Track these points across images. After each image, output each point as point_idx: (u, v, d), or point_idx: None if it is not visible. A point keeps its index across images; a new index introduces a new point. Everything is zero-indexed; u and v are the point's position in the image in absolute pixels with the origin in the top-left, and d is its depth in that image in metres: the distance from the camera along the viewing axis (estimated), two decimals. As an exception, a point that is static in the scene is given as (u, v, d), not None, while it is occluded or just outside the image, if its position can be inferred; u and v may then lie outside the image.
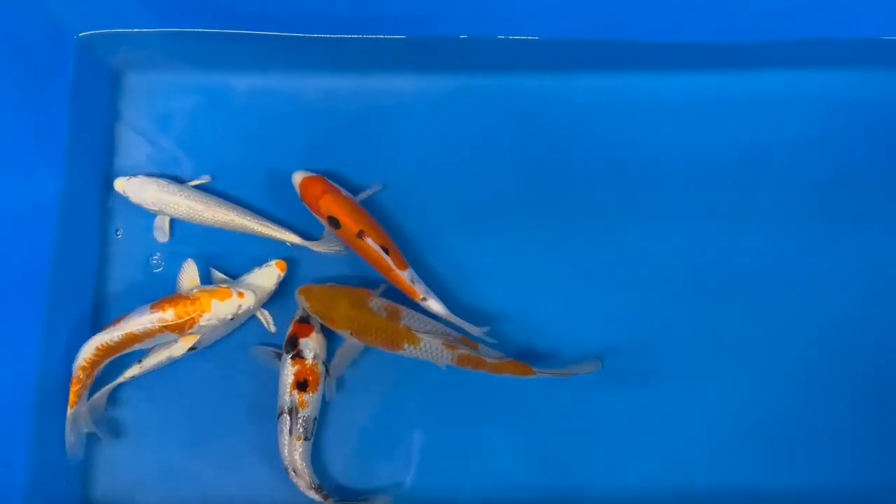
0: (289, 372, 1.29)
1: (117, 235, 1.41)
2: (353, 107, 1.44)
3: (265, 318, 1.36)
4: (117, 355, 1.29)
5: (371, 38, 1.41)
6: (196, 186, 1.39)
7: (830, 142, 1.43)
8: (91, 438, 1.33)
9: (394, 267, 1.30)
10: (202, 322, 1.27)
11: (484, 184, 1.42)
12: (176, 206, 1.36)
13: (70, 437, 1.29)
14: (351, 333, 1.28)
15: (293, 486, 1.30)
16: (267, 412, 1.33)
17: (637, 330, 1.37)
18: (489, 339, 1.31)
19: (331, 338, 1.34)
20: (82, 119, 1.39)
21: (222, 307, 1.27)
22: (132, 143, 1.44)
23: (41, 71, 1.36)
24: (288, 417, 1.27)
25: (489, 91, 1.44)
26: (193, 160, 1.43)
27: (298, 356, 1.29)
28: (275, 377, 1.33)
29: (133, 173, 1.39)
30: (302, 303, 1.31)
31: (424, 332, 1.26)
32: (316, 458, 1.32)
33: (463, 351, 1.26)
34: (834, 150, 1.43)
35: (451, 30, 1.40)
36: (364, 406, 1.36)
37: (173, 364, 1.34)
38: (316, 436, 1.32)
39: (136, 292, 1.38)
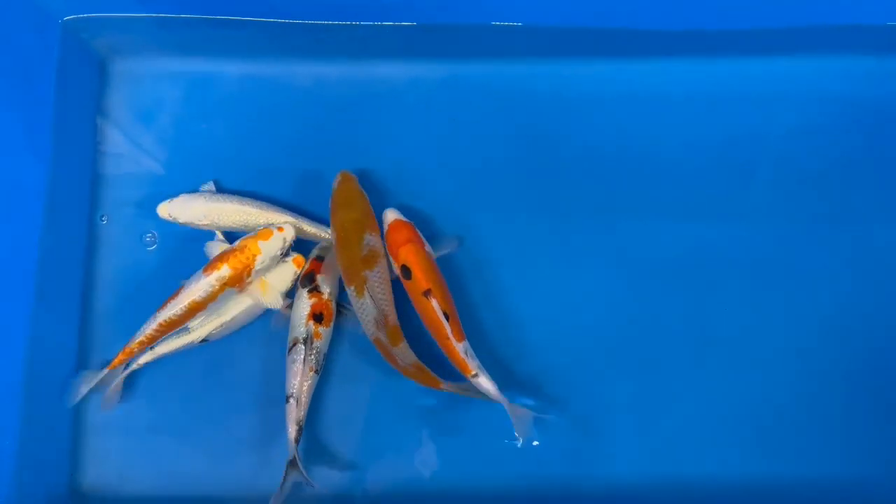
0: (305, 304, 1.31)
1: (102, 221, 1.40)
2: (342, 94, 1.42)
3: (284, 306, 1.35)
4: (179, 328, 1.30)
5: (361, 25, 1.39)
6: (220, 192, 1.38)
7: (823, 132, 1.42)
8: (80, 428, 1.33)
9: (451, 336, 1.26)
10: (256, 266, 1.28)
11: (474, 171, 1.41)
12: (229, 215, 1.34)
13: (82, 390, 1.30)
14: (334, 239, 1.30)
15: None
16: (258, 404, 1.34)
17: (628, 320, 1.37)
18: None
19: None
20: (68, 105, 1.38)
21: (270, 245, 1.29)
22: (119, 129, 1.42)
23: (25, 56, 1.34)
24: (303, 347, 1.29)
25: (481, 79, 1.43)
26: (181, 147, 1.42)
27: (316, 290, 1.31)
28: (264, 366, 1.34)
29: (170, 193, 1.36)
30: (337, 180, 1.33)
31: (372, 296, 1.26)
32: (315, 451, 1.33)
33: (381, 337, 1.26)
34: (827, 140, 1.42)
35: (442, 17, 1.38)
36: (360, 395, 1.36)
37: (164, 356, 1.33)
38: (313, 425, 1.32)
39: (126, 278, 1.38)
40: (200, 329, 1.32)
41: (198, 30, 1.40)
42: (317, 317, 1.30)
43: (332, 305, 1.33)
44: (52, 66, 1.36)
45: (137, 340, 1.29)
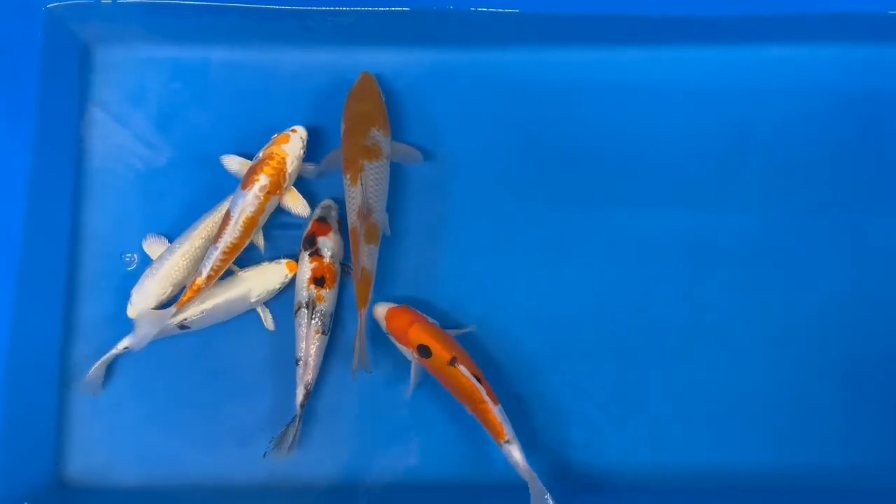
0: (306, 268, 1.32)
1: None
2: (329, 81, 1.42)
3: (265, 315, 1.35)
4: (238, 253, 1.31)
5: (347, 11, 1.38)
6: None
7: (814, 120, 1.42)
8: (65, 417, 1.33)
9: (487, 399, 1.23)
10: (289, 169, 1.32)
11: (459, 159, 1.40)
12: (182, 268, 1.33)
13: (147, 332, 1.28)
14: (342, 129, 1.32)
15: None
16: (244, 394, 1.34)
17: (616, 308, 1.37)
18: None
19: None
20: (52, 94, 1.37)
21: (292, 146, 1.33)
22: (104, 118, 1.42)
23: (8, 44, 1.34)
24: (306, 311, 1.30)
25: (467, 66, 1.43)
26: (166, 136, 1.41)
27: (316, 253, 1.32)
28: (251, 355, 1.34)
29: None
30: (359, 78, 1.37)
31: (364, 186, 1.26)
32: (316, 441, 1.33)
33: (358, 228, 1.25)
34: (817, 128, 1.41)
35: (429, 2, 1.37)
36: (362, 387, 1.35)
37: (151, 343, 1.32)
38: (315, 412, 1.32)
39: (110, 272, 1.38)
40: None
41: (182, 17, 1.39)
42: (318, 280, 1.31)
43: (336, 267, 1.33)
44: (35, 55, 1.35)
45: (205, 275, 1.28)
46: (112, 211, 1.40)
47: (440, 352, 1.24)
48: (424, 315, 1.30)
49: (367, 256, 1.26)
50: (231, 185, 1.36)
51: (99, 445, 1.33)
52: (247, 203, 1.29)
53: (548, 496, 1.20)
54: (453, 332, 1.31)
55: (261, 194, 1.29)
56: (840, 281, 1.37)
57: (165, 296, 1.33)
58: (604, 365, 1.35)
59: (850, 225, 1.39)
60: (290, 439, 1.28)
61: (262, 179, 1.30)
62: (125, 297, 1.33)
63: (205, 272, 1.28)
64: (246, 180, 1.30)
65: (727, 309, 1.37)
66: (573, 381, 1.34)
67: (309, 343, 1.29)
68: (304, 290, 1.31)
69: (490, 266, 1.38)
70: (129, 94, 1.42)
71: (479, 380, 1.24)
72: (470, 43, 1.43)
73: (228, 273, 1.32)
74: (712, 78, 1.43)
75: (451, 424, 1.33)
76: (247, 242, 1.31)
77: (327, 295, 1.31)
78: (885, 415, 1.34)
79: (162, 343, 1.33)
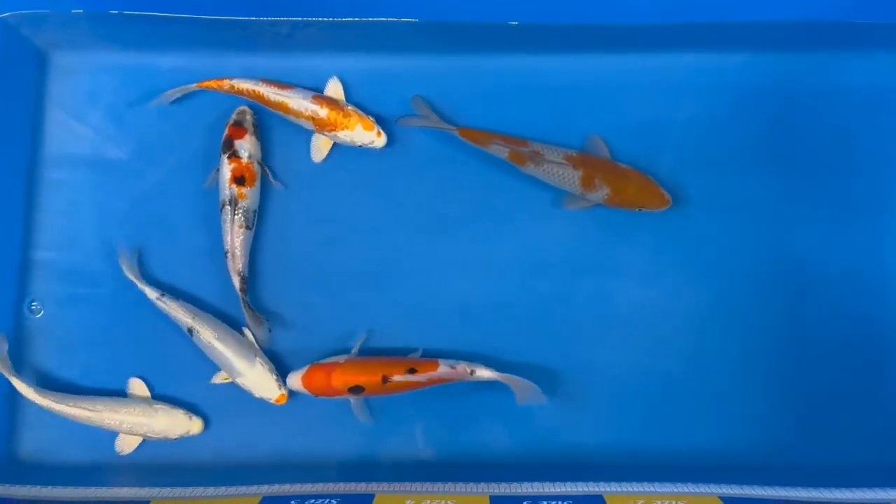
0: (226, 169, 1.43)
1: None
2: (272, 86, 1.50)
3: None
4: (263, 105, 1.45)
5: (284, 21, 1.45)
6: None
7: (723, 122, 1.49)
8: (17, 396, 1.41)
9: (431, 377, 1.35)
10: (339, 134, 1.43)
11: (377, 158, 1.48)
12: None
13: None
14: None
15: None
16: (193, 371, 1.43)
17: (538, 300, 1.47)
18: None
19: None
20: (8, 96, 1.45)
21: (359, 135, 1.43)
22: (59, 121, 1.50)
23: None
24: (229, 208, 1.41)
25: (400, 71, 1.51)
26: (119, 138, 1.50)
27: (234, 155, 1.43)
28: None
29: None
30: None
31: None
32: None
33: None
34: (727, 130, 1.49)
35: (361, 12, 1.45)
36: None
37: (104, 324, 1.44)
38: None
39: (60, 270, 1.47)
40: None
41: (134, 25, 1.46)
42: (238, 179, 1.42)
43: (255, 167, 1.43)
44: (-9, 62, 1.43)
45: (236, 85, 1.44)
46: (64, 206, 1.48)
47: (368, 383, 1.35)
48: (331, 360, 1.38)
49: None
50: (178, 184, 1.47)
51: (51, 423, 1.41)
52: (299, 102, 1.43)
53: (535, 387, 1.33)
54: (355, 351, 1.40)
55: (307, 112, 1.43)
56: (743, 274, 1.47)
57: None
58: (533, 351, 1.45)
59: (757, 223, 1.48)
60: (253, 319, 1.40)
61: (323, 112, 1.43)
62: (75, 289, 1.44)
63: (238, 83, 1.45)
64: (321, 98, 1.44)
65: (637, 300, 1.47)
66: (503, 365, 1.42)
67: (234, 237, 1.41)
68: (227, 189, 1.43)
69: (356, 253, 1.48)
70: (82, 98, 1.50)
71: (414, 370, 1.34)
72: (387, 49, 1.50)
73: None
74: (627, 83, 1.50)
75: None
76: (267, 103, 1.45)
77: (249, 192, 1.42)
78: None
79: (115, 323, 1.45)
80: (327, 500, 1.29)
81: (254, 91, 1.44)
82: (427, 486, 1.33)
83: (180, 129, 1.50)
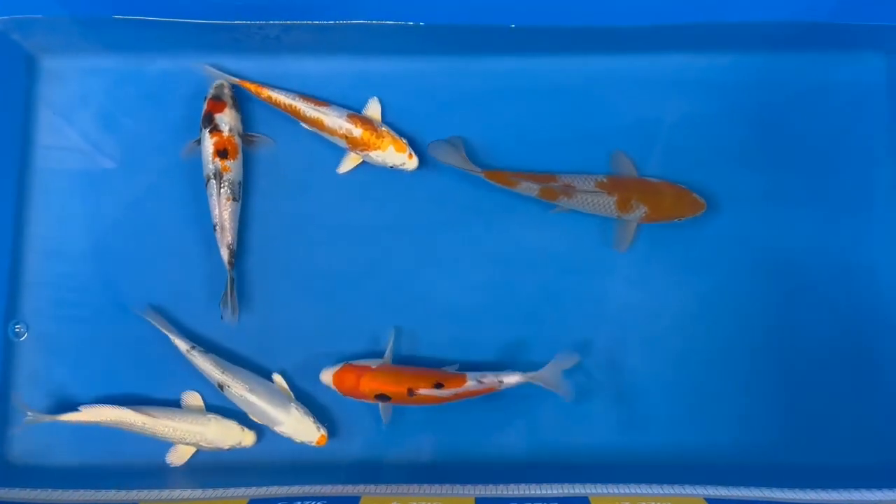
0: (208, 143, 1.43)
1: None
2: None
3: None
4: (298, 120, 1.46)
5: (273, 24, 1.46)
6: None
7: (712, 122, 1.50)
8: (5, 399, 1.43)
9: (457, 392, 1.35)
10: (371, 154, 1.44)
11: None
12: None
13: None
14: None
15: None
16: (180, 374, 1.44)
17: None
18: None
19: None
20: (-1, 100, 1.47)
21: (391, 157, 1.43)
22: (48, 125, 1.51)
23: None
24: (214, 181, 1.42)
25: (388, 74, 1.51)
26: (108, 142, 1.50)
27: (215, 129, 1.43)
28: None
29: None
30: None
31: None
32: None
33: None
34: (715, 130, 1.50)
35: (347, 15, 1.46)
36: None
37: (92, 327, 1.44)
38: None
39: (55, 282, 1.47)
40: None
41: (122, 29, 1.47)
42: (221, 153, 1.43)
43: (236, 139, 1.44)
44: (-21, 64, 1.45)
45: (273, 96, 1.44)
46: (55, 210, 1.49)
47: (395, 393, 1.35)
48: (365, 363, 1.38)
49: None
50: (168, 188, 1.48)
51: (39, 426, 1.41)
52: (334, 119, 1.44)
53: (561, 375, 1.35)
54: (387, 357, 1.40)
55: (341, 131, 1.44)
56: (726, 273, 1.47)
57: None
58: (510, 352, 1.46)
59: (746, 222, 1.48)
60: (231, 299, 1.40)
61: (357, 131, 1.43)
62: (65, 293, 1.45)
63: (274, 93, 1.45)
64: (357, 117, 1.44)
65: (621, 299, 1.47)
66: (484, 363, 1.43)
67: (222, 209, 1.42)
68: (210, 164, 1.43)
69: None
70: (71, 101, 1.51)
71: (441, 385, 1.34)
72: (376, 52, 1.51)
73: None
74: (616, 83, 1.51)
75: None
76: (298, 117, 1.45)
77: (232, 165, 1.43)
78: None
79: (103, 328, 1.45)
80: (314, 501, 1.29)
81: (290, 105, 1.45)
82: (413, 487, 1.33)
83: (171, 133, 1.50)
